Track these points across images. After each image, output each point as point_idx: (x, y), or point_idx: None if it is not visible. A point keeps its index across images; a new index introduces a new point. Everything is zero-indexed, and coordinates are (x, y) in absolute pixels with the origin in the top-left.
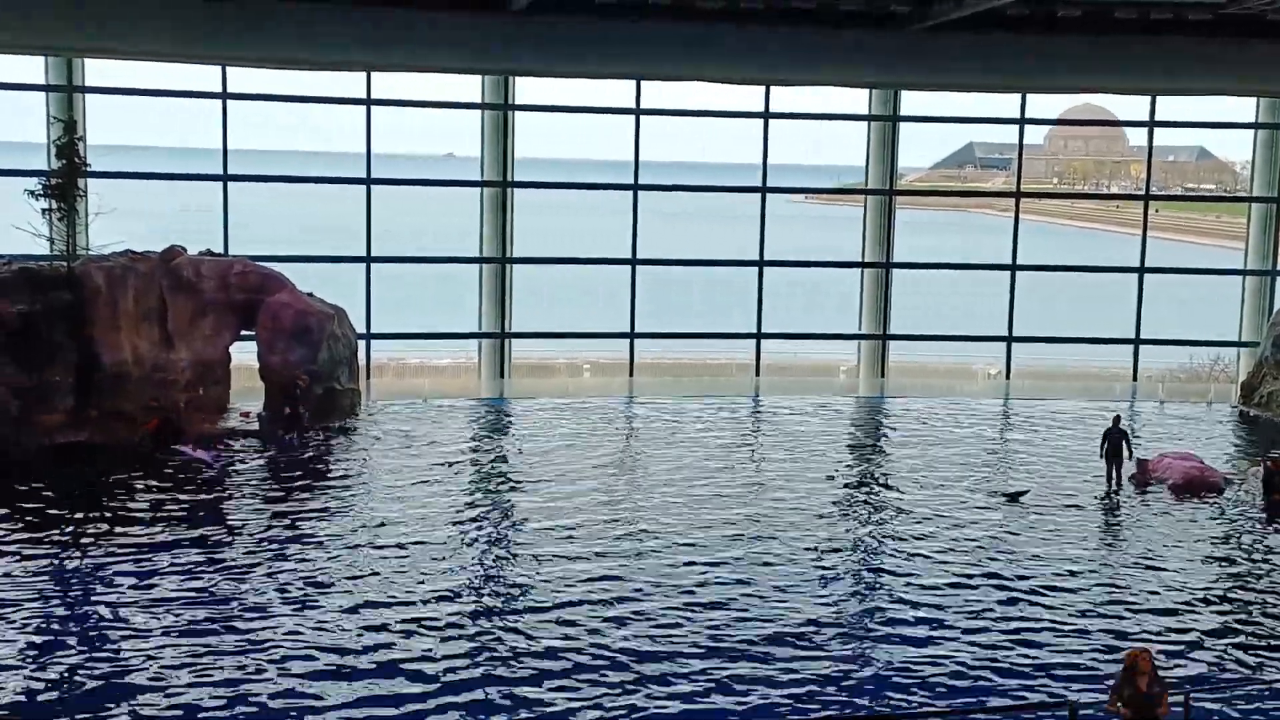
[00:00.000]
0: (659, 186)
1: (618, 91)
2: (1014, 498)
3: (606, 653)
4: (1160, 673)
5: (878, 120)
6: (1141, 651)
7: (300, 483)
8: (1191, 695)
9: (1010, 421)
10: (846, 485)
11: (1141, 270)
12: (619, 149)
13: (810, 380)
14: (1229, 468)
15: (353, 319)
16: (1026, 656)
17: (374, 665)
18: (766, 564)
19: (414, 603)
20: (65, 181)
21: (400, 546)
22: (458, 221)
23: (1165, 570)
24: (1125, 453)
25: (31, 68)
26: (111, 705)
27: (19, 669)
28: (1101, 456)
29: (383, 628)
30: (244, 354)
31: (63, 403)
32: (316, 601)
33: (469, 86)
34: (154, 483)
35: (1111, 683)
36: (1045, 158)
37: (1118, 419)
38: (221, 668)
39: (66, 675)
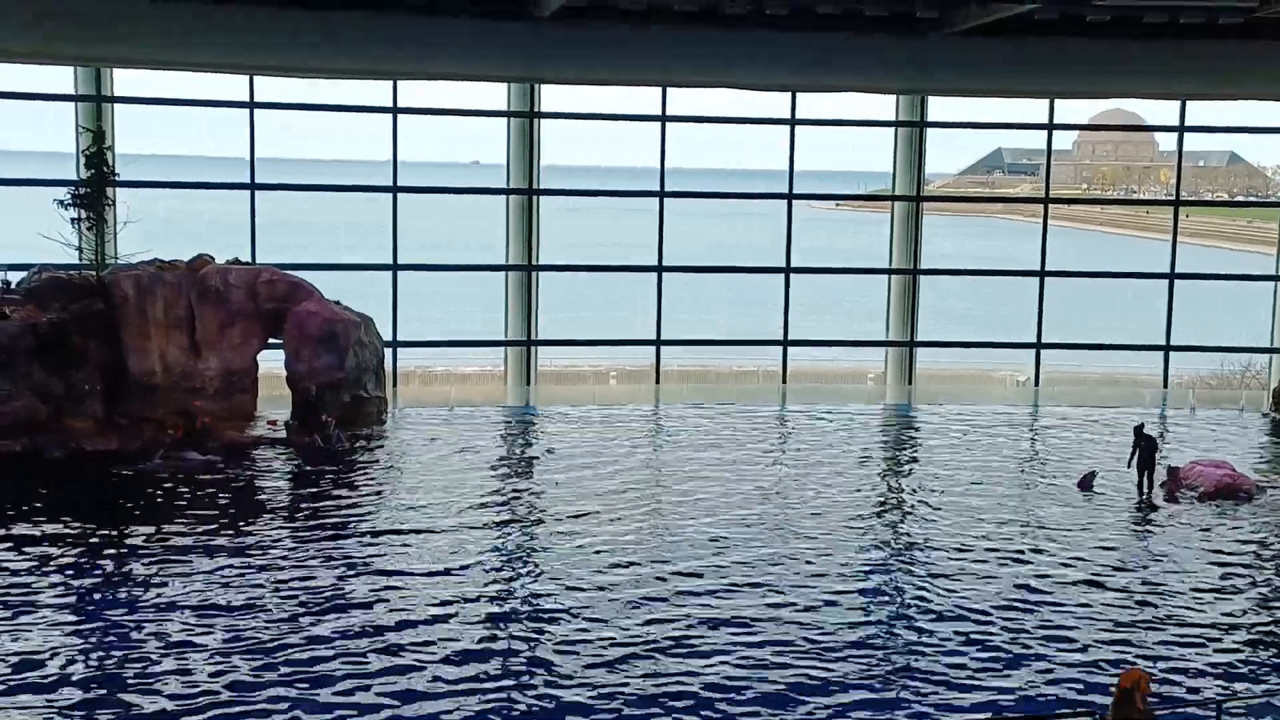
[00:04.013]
0: (685, 193)
1: (643, 98)
2: (1087, 484)
3: (632, 666)
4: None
5: (905, 126)
6: (1143, 673)
7: (325, 491)
8: (1224, 708)
9: (1043, 429)
10: (880, 497)
11: (1172, 276)
12: (645, 155)
13: (838, 388)
14: (1261, 475)
15: (379, 326)
16: (1058, 664)
17: (393, 681)
18: (800, 576)
19: (438, 613)
20: (94, 191)
21: (425, 554)
22: (484, 229)
23: (1196, 579)
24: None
25: (60, 78)
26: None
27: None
28: (1129, 465)
29: (401, 644)
30: (271, 363)
31: (92, 410)
32: (339, 612)
33: (494, 94)
34: (177, 490)
35: (1111, 705)
36: (1074, 163)
37: (1141, 426)
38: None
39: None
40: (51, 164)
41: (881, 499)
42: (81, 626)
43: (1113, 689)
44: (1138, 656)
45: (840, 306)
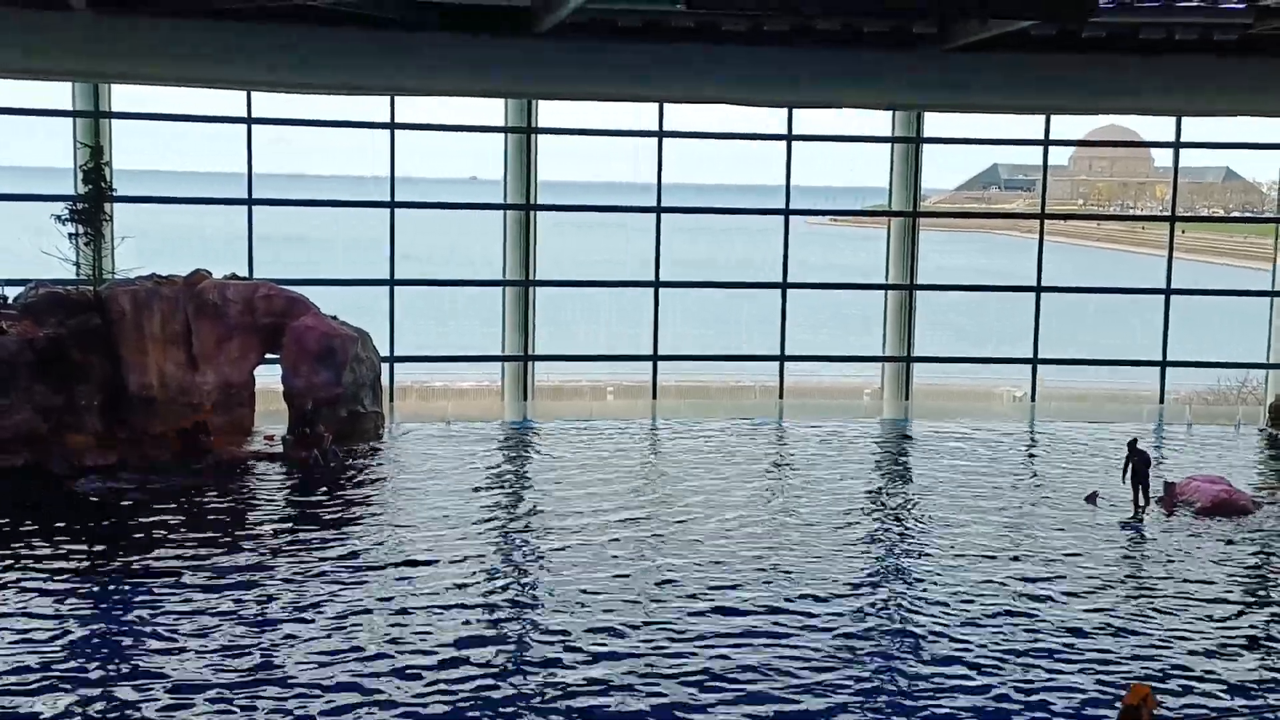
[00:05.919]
0: (682, 209)
1: (641, 114)
2: (1091, 499)
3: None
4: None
5: (901, 142)
6: (1149, 689)
7: (322, 508)
8: None
9: (1040, 446)
10: (877, 512)
11: (1168, 291)
12: (642, 171)
13: (834, 403)
14: (1258, 491)
15: (376, 341)
16: (1058, 680)
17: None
18: (799, 588)
19: (436, 628)
20: (92, 206)
21: (420, 574)
22: (481, 244)
23: (1194, 594)
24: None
25: (58, 93)
26: None
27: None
28: (1124, 480)
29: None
30: (267, 377)
31: (91, 425)
32: (337, 628)
33: (492, 110)
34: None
35: None
36: (1070, 179)
37: (1135, 441)
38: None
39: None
40: (49, 179)
41: (878, 514)
42: (64, 652)
43: (1118, 705)
44: (1132, 674)
45: (837, 322)
